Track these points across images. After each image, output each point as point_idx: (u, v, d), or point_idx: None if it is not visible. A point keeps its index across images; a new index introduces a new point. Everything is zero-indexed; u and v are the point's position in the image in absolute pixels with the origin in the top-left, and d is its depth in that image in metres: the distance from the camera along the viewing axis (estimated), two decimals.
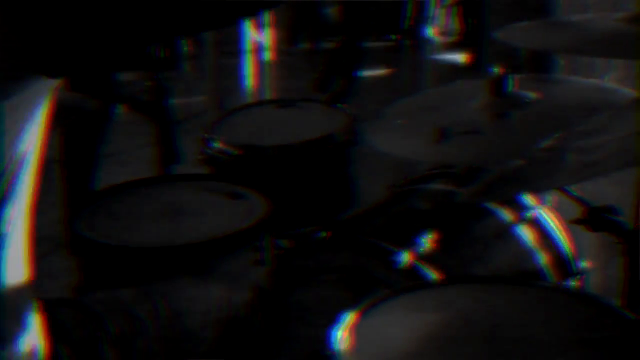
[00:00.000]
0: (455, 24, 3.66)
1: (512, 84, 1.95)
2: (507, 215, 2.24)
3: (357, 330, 1.42)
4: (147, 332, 1.41)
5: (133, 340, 1.39)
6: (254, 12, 1.13)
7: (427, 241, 2.09)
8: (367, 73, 3.73)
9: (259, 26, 4.07)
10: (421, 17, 3.54)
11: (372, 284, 1.90)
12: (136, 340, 1.39)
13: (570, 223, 2.14)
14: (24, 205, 1.11)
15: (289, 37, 3.91)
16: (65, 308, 1.38)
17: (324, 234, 2.18)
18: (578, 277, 2.18)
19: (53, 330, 1.27)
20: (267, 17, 4.00)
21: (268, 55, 4.23)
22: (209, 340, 1.46)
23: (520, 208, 2.24)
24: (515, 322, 1.44)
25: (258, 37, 4.03)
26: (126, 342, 1.38)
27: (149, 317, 1.42)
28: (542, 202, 2.26)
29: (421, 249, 2.06)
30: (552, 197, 2.29)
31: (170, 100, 2.67)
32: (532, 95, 1.94)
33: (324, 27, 3.63)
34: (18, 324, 1.16)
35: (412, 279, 1.94)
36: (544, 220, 2.23)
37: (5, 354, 1.13)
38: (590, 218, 1.67)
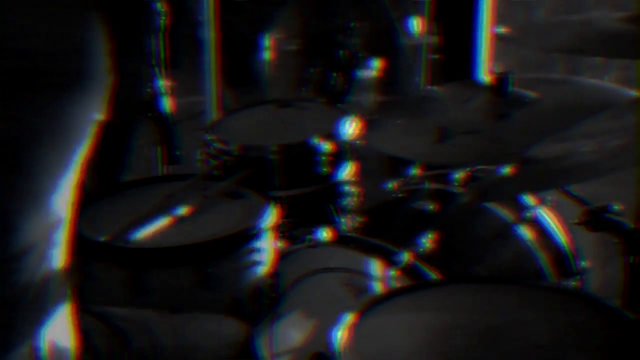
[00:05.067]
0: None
1: (513, 84, 1.95)
2: (507, 215, 2.24)
3: (357, 330, 1.42)
4: (166, 354, 1.42)
5: (153, 357, 1.40)
6: None
7: (427, 241, 2.09)
8: (366, 72, 3.74)
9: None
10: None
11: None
12: (156, 357, 1.40)
13: (570, 223, 2.14)
14: (66, 195, 1.12)
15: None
16: (89, 317, 1.39)
17: (324, 234, 2.18)
18: (578, 277, 2.18)
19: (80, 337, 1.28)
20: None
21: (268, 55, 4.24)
22: None
23: (520, 208, 2.24)
24: (515, 322, 1.44)
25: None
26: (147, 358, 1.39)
27: (169, 340, 1.44)
28: (542, 202, 2.26)
29: (421, 249, 2.06)
30: (552, 197, 2.29)
31: (171, 100, 2.67)
32: (532, 95, 1.95)
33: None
34: (39, 317, 1.17)
35: (412, 279, 1.94)
36: (544, 220, 2.23)
37: (26, 347, 1.14)
38: (590, 218, 1.67)
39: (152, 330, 1.44)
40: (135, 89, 2.73)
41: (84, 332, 1.30)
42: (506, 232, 2.21)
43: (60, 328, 1.21)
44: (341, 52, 3.31)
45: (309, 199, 2.24)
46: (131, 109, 2.80)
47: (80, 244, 1.82)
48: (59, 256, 1.18)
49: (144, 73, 2.70)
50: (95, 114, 1.08)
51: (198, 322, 1.55)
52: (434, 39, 3.42)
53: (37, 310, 1.16)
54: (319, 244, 2.08)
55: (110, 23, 1.07)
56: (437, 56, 3.37)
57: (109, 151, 2.81)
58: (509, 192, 1.95)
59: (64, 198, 1.12)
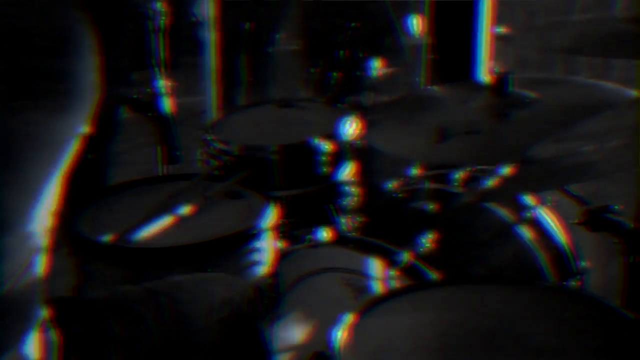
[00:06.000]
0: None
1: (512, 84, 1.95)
2: (507, 215, 2.24)
3: (357, 330, 1.42)
4: (151, 333, 1.41)
5: (136, 341, 1.39)
6: None
7: (427, 241, 2.09)
8: (366, 72, 3.74)
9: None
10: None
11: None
12: (139, 341, 1.40)
13: (570, 223, 2.14)
14: (48, 205, 1.13)
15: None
16: (69, 307, 1.39)
17: (324, 234, 2.18)
18: (578, 277, 2.18)
19: (60, 332, 1.28)
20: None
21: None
22: (211, 341, 1.47)
23: (520, 208, 2.24)
24: (515, 322, 1.44)
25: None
26: (130, 343, 1.39)
27: (153, 317, 1.43)
28: (542, 202, 2.26)
29: (421, 249, 2.06)
30: (552, 197, 2.29)
31: (171, 100, 2.67)
32: (532, 95, 1.95)
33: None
34: (24, 324, 1.17)
35: (412, 279, 1.94)
36: (544, 220, 2.23)
37: (17, 350, 1.14)
38: (590, 218, 1.67)
39: (134, 308, 1.43)
40: (112, 94, 2.73)
41: (64, 322, 1.30)
42: (506, 232, 2.21)
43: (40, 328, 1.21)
44: (341, 52, 3.31)
45: (309, 199, 2.24)
46: (109, 116, 2.81)
47: (80, 244, 1.83)
48: (41, 263, 1.18)
49: (122, 79, 2.69)
50: (80, 128, 1.09)
51: (184, 294, 1.53)
52: (430, 39, 3.42)
53: (22, 317, 1.16)
54: (319, 244, 2.08)
55: (100, 36, 1.07)
56: (432, 56, 3.38)
57: (86, 162, 2.79)
58: (509, 192, 1.95)
59: (47, 207, 1.13)
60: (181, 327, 1.44)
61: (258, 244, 1.83)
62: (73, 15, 1.04)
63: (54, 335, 1.26)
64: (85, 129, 1.10)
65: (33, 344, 1.19)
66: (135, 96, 2.75)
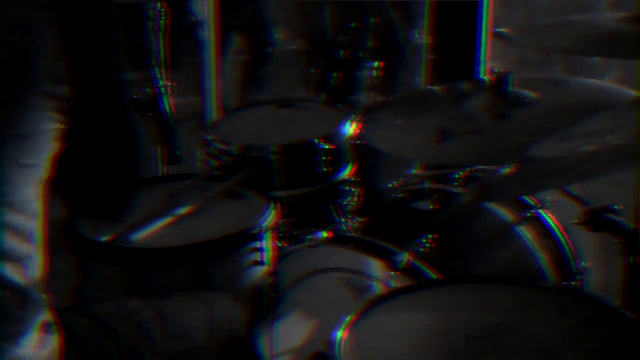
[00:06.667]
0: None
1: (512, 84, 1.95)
2: (507, 215, 2.24)
3: (357, 330, 1.42)
4: (155, 344, 1.41)
5: (142, 351, 1.40)
6: None
7: (427, 241, 2.09)
8: (366, 72, 3.74)
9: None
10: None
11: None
12: (145, 351, 1.40)
13: (570, 223, 2.14)
14: (38, 205, 1.12)
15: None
16: (76, 316, 1.39)
17: (324, 234, 2.18)
18: (578, 277, 2.18)
19: (65, 337, 1.27)
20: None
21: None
22: (213, 353, 1.48)
23: (520, 208, 2.24)
24: (515, 322, 1.44)
25: None
26: (135, 354, 1.39)
27: (157, 329, 1.43)
28: (542, 202, 2.26)
29: (421, 249, 2.06)
30: (552, 197, 2.29)
31: (171, 100, 2.67)
32: (532, 95, 1.95)
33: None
34: (22, 324, 1.16)
35: (412, 279, 1.94)
36: (544, 220, 2.23)
37: (9, 353, 1.13)
38: (590, 218, 1.67)
39: (140, 322, 1.43)
40: (122, 88, 2.71)
41: (70, 331, 1.30)
42: (506, 232, 2.21)
43: (41, 333, 1.21)
44: (341, 52, 3.31)
45: (309, 199, 2.24)
46: (127, 108, 2.80)
47: (80, 244, 1.83)
48: (36, 265, 1.18)
49: (125, 73, 2.69)
50: (51, 121, 1.08)
51: (187, 311, 1.54)
52: (429, 39, 3.42)
53: (17, 320, 1.16)
54: (319, 244, 2.08)
55: (66, 27, 1.06)
56: (432, 56, 3.38)
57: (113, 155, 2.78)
58: (509, 192, 1.95)
59: (29, 203, 1.12)
60: (182, 342, 1.46)
61: (258, 244, 1.83)
62: (37, 11, 1.04)
63: (56, 339, 1.26)
64: (60, 123, 1.09)
65: (33, 346, 1.19)
66: (135, 96, 2.75)
